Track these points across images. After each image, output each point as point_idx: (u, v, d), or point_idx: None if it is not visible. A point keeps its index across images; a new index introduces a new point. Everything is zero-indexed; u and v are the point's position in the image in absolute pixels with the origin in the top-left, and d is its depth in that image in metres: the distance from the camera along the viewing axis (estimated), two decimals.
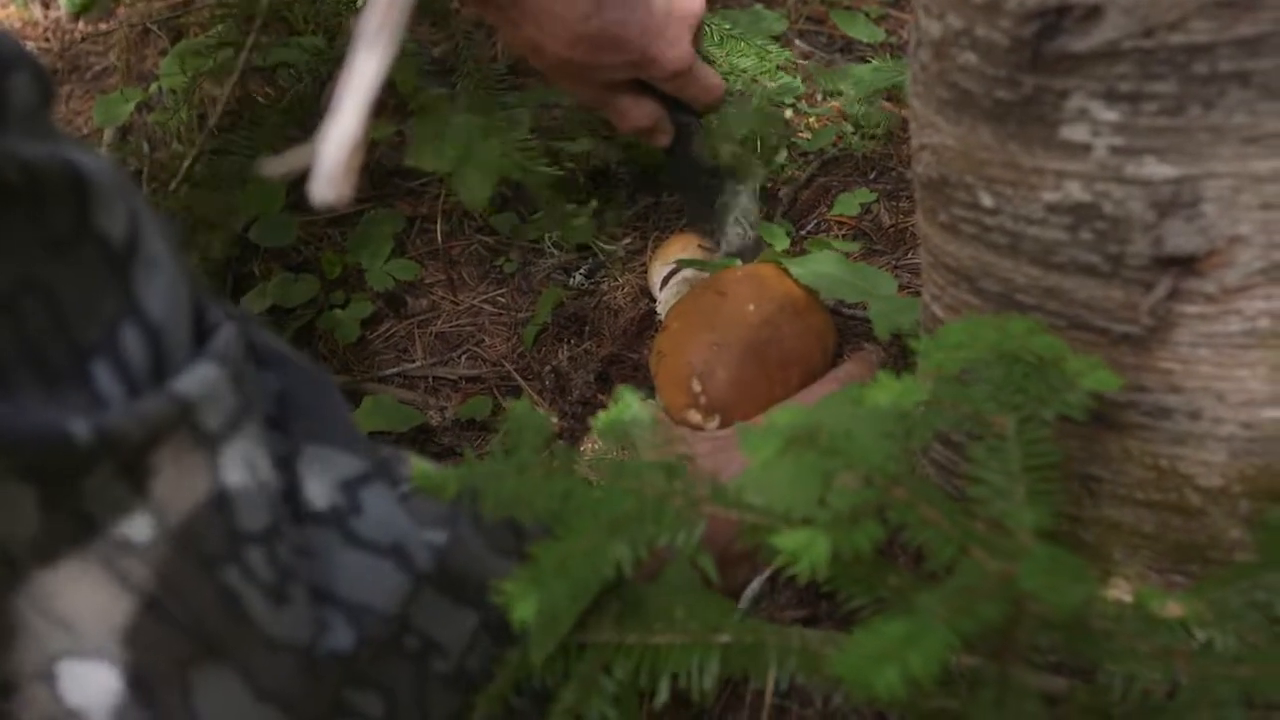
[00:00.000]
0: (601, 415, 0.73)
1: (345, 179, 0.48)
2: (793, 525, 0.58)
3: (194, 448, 0.59)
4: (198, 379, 0.59)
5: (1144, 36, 0.63)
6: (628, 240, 1.36)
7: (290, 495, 0.65)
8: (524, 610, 0.60)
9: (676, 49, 1.09)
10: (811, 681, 0.65)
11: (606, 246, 1.34)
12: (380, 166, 1.51)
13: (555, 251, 1.36)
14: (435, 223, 1.43)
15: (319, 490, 0.66)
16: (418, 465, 0.67)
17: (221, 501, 0.60)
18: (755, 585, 0.88)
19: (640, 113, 1.15)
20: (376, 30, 0.46)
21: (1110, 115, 0.66)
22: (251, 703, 0.63)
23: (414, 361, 1.27)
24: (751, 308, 1.09)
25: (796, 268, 1.15)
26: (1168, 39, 0.63)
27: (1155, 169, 0.66)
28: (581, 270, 1.33)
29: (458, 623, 0.69)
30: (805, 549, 0.56)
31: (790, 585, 0.89)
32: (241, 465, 0.61)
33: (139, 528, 0.58)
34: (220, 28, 1.62)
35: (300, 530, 0.65)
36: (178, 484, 0.59)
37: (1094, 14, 0.64)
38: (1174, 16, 0.62)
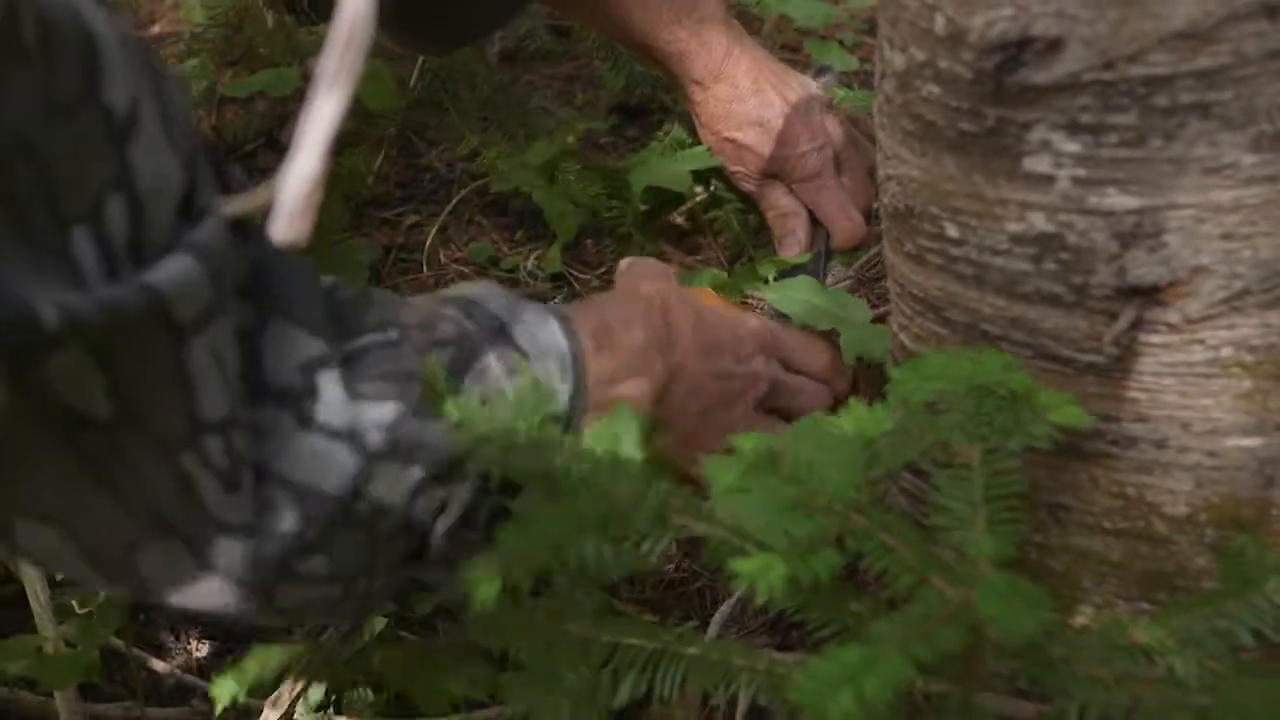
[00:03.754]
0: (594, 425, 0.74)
1: (305, 217, 0.48)
2: (759, 547, 0.58)
3: (162, 336, 0.59)
4: (173, 272, 0.58)
5: (1104, 69, 0.63)
6: (603, 269, 1.36)
7: (249, 371, 0.66)
8: (486, 591, 0.60)
9: (814, 156, 1.29)
10: (774, 705, 0.65)
11: (581, 276, 1.34)
12: (357, 196, 1.51)
13: (530, 281, 1.36)
14: (411, 252, 1.43)
15: (279, 369, 0.67)
16: (431, 365, 0.69)
17: (184, 389, 0.61)
18: (725, 609, 0.89)
19: (784, 202, 1.31)
20: (335, 72, 0.46)
21: (1072, 147, 0.66)
22: (195, 569, 0.65)
23: None
24: None
25: (773, 294, 1.15)
26: (1128, 71, 0.63)
27: (1117, 200, 0.66)
28: (557, 300, 1.33)
29: (404, 480, 0.70)
30: (762, 573, 0.56)
31: (762, 612, 0.89)
32: (208, 356, 0.61)
33: (100, 407, 0.58)
34: (195, 61, 1.63)
35: (255, 409, 0.65)
36: (142, 369, 0.59)
37: (1055, 46, 0.64)
38: (1133, 49, 0.63)
